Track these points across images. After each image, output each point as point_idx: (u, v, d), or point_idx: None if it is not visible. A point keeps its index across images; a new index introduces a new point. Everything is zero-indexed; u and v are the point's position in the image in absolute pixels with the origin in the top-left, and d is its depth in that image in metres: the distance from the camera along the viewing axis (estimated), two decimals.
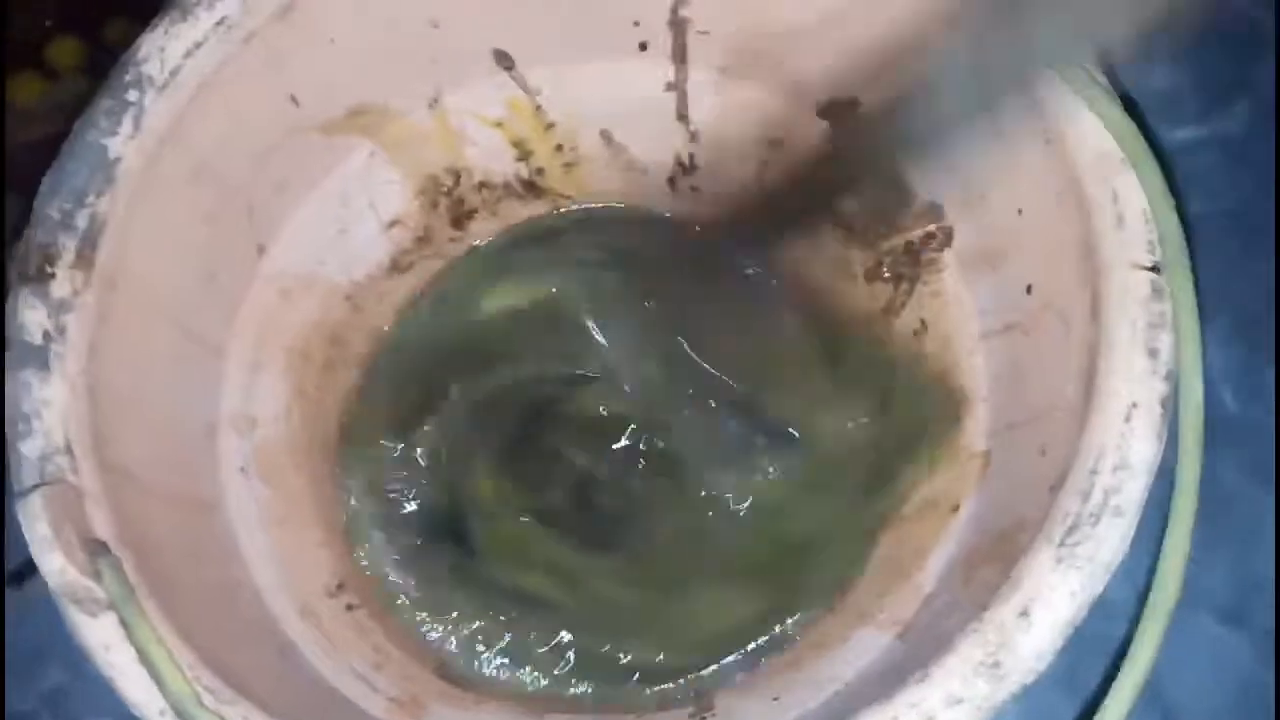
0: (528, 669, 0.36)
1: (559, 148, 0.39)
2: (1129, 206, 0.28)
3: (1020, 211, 0.31)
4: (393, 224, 0.39)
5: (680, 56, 0.37)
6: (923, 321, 0.35)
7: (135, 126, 0.30)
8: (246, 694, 0.27)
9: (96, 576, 0.26)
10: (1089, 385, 0.27)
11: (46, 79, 0.45)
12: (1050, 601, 0.25)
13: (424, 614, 0.36)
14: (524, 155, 0.39)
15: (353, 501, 0.38)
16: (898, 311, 0.36)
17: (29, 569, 0.27)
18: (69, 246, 0.29)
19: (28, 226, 0.30)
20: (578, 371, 0.39)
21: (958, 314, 0.34)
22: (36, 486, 0.27)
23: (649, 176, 0.39)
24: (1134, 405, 0.26)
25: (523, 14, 0.35)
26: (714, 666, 0.35)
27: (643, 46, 0.36)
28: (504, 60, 0.37)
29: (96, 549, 0.27)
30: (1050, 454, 0.28)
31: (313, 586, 0.35)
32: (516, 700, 0.35)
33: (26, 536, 0.26)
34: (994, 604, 0.25)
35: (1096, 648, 0.27)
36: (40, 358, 0.29)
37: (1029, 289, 0.31)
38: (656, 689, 0.35)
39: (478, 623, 0.36)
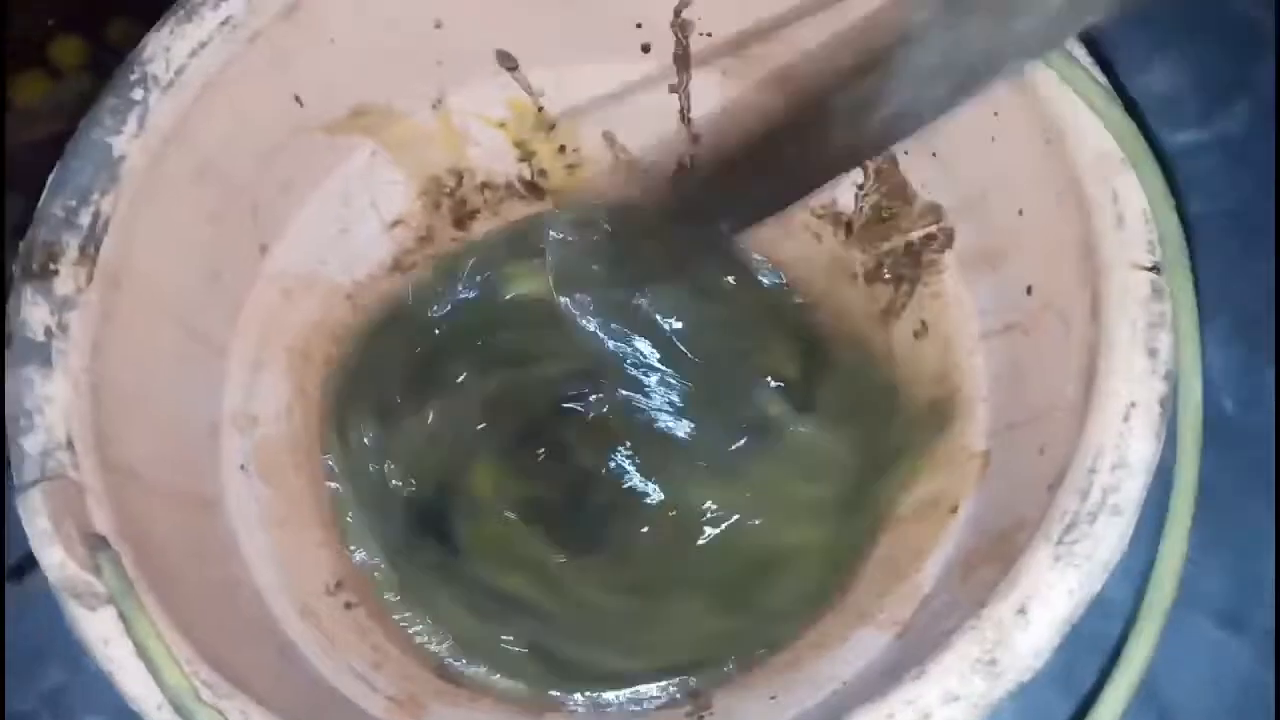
0: (508, 670, 0.36)
1: (561, 149, 0.39)
2: (1129, 206, 0.28)
3: (1020, 212, 0.31)
4: (395, 224, 0.39)
5: (683, 58, 0.37)
6: (923, 323, 0.35)
7: (140, 125, 0.30)
8: (245, 689, 0.27)
9: (96, 571, 0.27)
10: (1088, 385, 0.27)
11: (49, 78, 0.45)
12: (1048, 599, 0.25)
13: (410, 612, 0.36)
14: (526, 156, 0.39)
15: (339, 488, 0.38)
16: (898, 313, 0.36)
17: (29, 564, 0.27)
18: (72, 244, 0.30)
19: (31, 224, 0.30)
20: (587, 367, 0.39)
21: (958, 315, 0.34)
22: (37, 482, 0.27)
23: (651, 178, 0.39)
24: (1133, 405, 0.26)
25: (525, 15, 0.35)
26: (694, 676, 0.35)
27: (645, 48, 0.36)
28: (507, 61, 0.37)
29: (96, 543, 0.27)
30: (1049, 453, 0.28)
31: (312, 586, 0.35)
32: (515, 700, 0.35)
33: (26, 531, 0.26)
34: (992, 601, 0.25)
35: (1093, 646, 0.27)
36: (42, 354, 0.29)
37: (1029, 289, 0.31)
38: (650, 688, 0.35)
39: (461, 621, 0.36)
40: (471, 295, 0.40)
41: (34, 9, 0.45)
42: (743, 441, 0.37)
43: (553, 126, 0.39)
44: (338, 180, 0.37)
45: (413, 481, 0.38)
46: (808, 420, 0.37)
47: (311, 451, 0.37)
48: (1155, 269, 0.27)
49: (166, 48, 0.31)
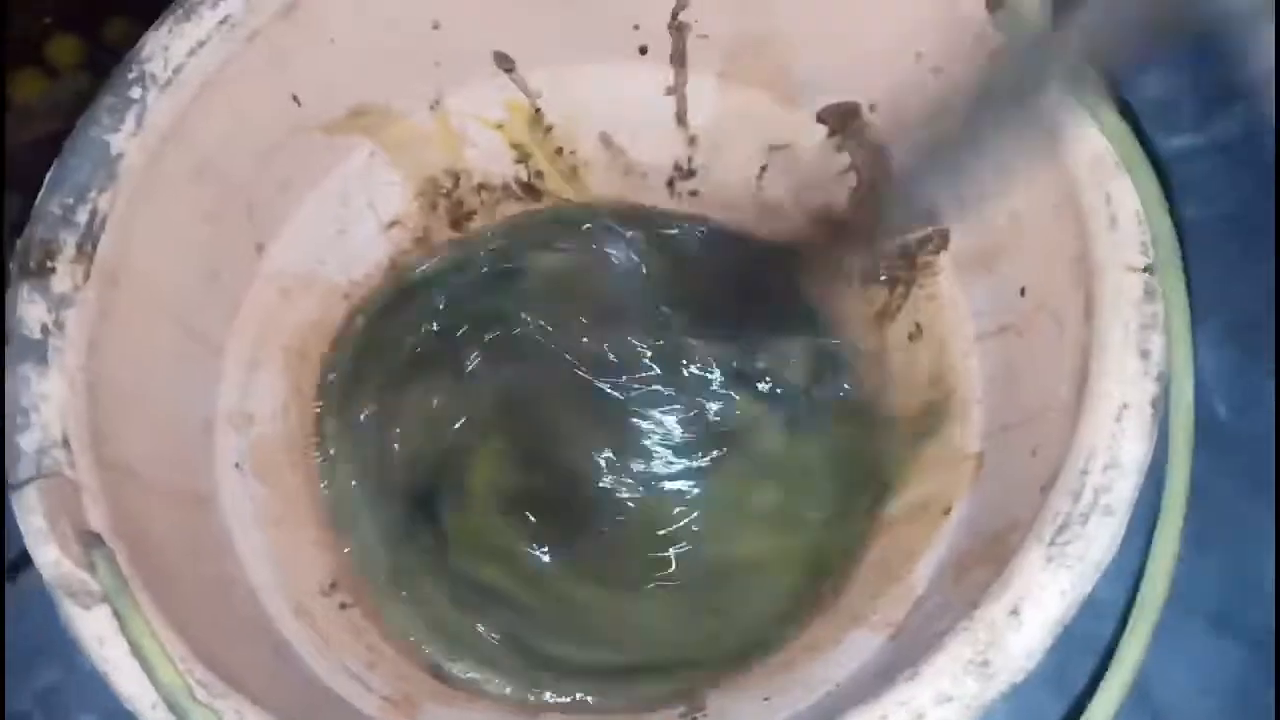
0: (488, 663, 0.35)
1: (558, 150, 0.39)
2: (1123, 209, 0.28)
3: (1015, 214, 0.31)
4: (392, 224, 0.39)
5: (680, 60, 0.37)
6: (918, 325, 0.35)
7: (138, 123, 0.31)
8: (239, 688, 0.27)
9: (91, 569, 0.27)
10: (1081, 386, 0.27)
11: (46, 76, 0.45)
12: (1040, 600, 0.25)
13: (398, 603, 0.36)
14: (523, 158, 0.39)
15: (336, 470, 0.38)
16: (893, 315, 0.36)
17: (23, 562, 0.27)
18: (69, 242, 0.30)
19: (29, 222, 0.30)
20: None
21: (953, 316, 0.34)
22: (32, 479, 0.27)
23: (648, 180, 0.39)
24: (1125, 406, 0.26)
25: (524, 16, 0.35)
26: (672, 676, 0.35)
27: (643, 50, 0.37)
28: (504, 62, 0.37)
29: (91, 541, 0.27)
30: (1042, 454, 0.28)
31: (307, 585, 0.35)
32: (510, 700, 0.35)
33: (21, 529, 0.26)
34: (984, 602, 0.25)
35: (1085, 647, 0.27)
36: (39, 352, 0.29)
37: (1023, 291, 0.31)
38: (643, 688, 0.35)
39: (445, 613, 0.36)
40: (490, 280, 0.40)
41: (32, 8, 0.45)
42: (723, 451, 0.37)
43: (550, 128, 0.39)
44: (335, 180, 0.37)
45: (414, 466, 0.38)
46: (788, 429, 0.37)
47: (307, 451, 0.37)
48: (1148, 271, 0.27)
49: (165, 46, 0.31)
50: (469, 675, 0.35)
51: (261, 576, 0.34)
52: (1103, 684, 0.25)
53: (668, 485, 0.37)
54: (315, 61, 0.34)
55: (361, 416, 0.38)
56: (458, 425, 0.38)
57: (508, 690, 0.35)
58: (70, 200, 0.30)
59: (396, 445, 0.38)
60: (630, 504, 0.37)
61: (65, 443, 0.28)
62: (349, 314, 0.39)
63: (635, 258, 0.40)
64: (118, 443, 0.30)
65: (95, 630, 0.27)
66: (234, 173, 0.34)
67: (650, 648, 0.36)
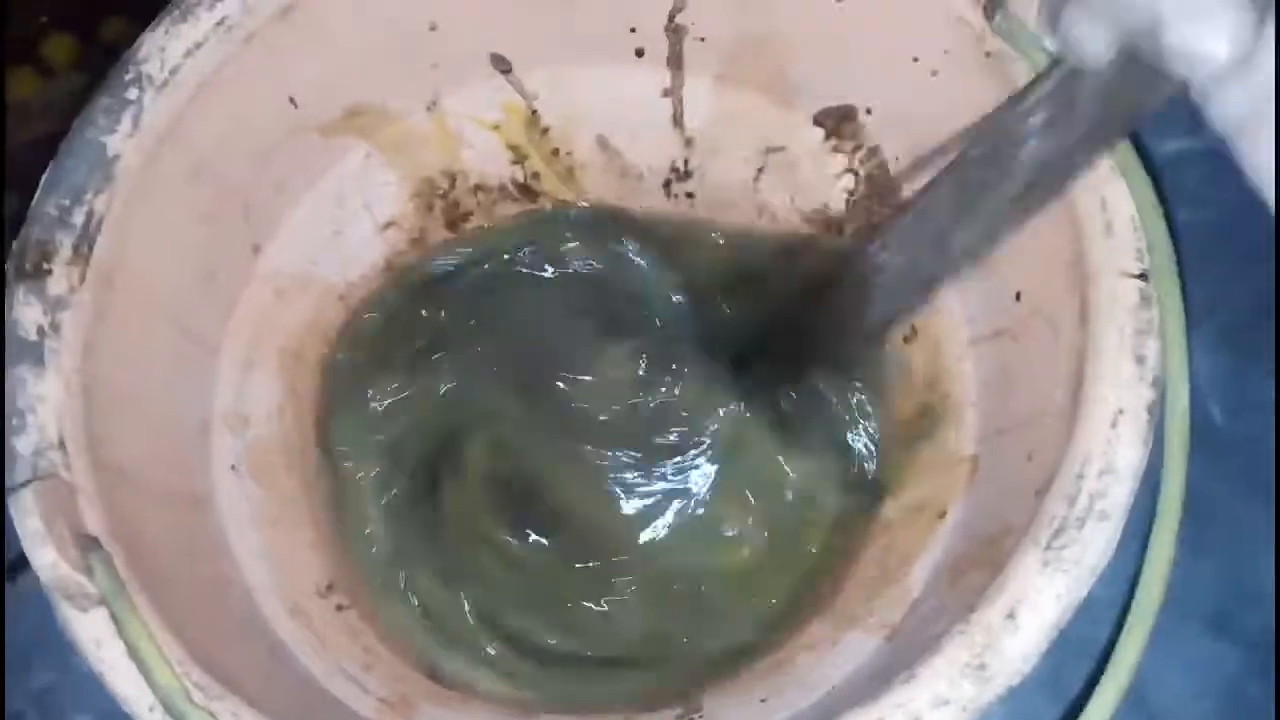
0: (471, 651, 0.36)
1: (555, 152, 0.39)
2: (1118, 214, 0.28)
3: None
4: (388, 225, 0.39)
5: (677, 63, 0.37)
6: (913, 328, 0.36)
7: (134, 125, 0.31)
8: (236, 690, 0.27)
9: (88, 571, 0.26)
10: (1076, 391, 0.27)
11: (42, 76, 0.45)
12: (1036, 604, 0.25)
13: (392, 584, 0.36)
14: (520, 159, 0.39)
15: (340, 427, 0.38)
16: None
17: (23, 563, 0.27)
18: (66, 243, 0.30)
19: (25, 223, 0.30)
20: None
21: (948, 321, 0.34)
22: (29, 482, 0.27)
23: (644, 182, 0.39)
24: (1120, 411, 0.26)
25: (521, 18, 0.35)
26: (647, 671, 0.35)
27: (639, 52, 0.37)
28: (501, 64, 0.37)
29: (88, 544, 0.27)
30: (1037, 459, 0.28)
31: (303, 586, 0.35)
32: (506, 700, 0.35)
33: (18, 531, 0.26)
34: (980, 606, 0.25)
35: (1081, 651, 0.27)
36: (35, 354, 0.29)
37: (1018, 295, 0.32)
38: (625, 684, 0.35)
39: (435, 593, 0.36)
40: (485, 280, 0.40)
41: (30, 7, 0.45)
42: (715, 454, 0.37)
43: (546, 130, 0.39)
44: (332, 181, 0.37)
45: (418, 451, 0.38)
46: (782, 433, 0.37)
47: (304, 452, 0.37)
48: (1143, 276, 0.27)
49: (162, 47, 0.31)
50: (462, 672, 0.35)
51: (258, 578, 0.34)
52: (1099, 687, 0.25)
53: (657, 485, 0.37)
54: (312, 63, 0.34)
55: (368, 405, 0.38)
56: (459, 415, 0.38)
57: (495, 685, 0.35)
58: (66, 202, 0.30)
59: (401, 432, 0.38)
60: (617, 500, 0.37)
61: (61, 445, 0.28)
62: (349, 313, 0.39)
63: (632, 259, 0.40)
64: (114, 444, 0.30)
65: (92, 633, 0.27)
66: (230, 174, 0.34)
67: (632, 644, 0.36)
